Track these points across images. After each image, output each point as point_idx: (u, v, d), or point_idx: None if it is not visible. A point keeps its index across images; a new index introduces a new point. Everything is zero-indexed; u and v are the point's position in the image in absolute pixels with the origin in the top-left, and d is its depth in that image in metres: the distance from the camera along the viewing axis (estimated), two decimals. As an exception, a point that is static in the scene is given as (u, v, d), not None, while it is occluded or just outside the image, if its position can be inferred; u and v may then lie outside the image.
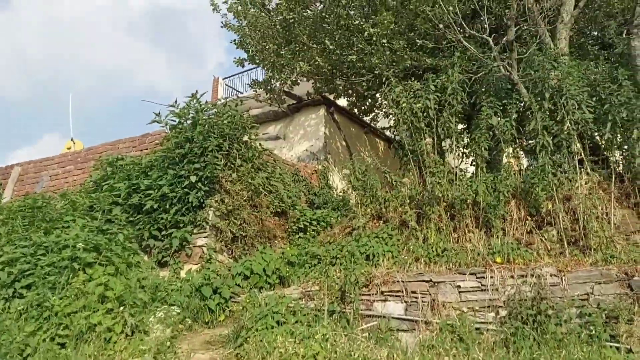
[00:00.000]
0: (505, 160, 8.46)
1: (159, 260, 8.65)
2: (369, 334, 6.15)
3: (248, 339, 5.94)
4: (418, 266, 7.31)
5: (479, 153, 7.79)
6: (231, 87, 21.00)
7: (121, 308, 5.47)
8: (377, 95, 15.78)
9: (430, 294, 6.76)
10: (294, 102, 14.39)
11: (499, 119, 7.79)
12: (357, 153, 9.44)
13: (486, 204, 7.61)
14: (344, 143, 14.52)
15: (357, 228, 8.50)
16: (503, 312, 6.31)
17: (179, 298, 7.38)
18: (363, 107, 16.33)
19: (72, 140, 14.99)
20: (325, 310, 6.21)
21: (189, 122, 9.33)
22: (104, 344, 5.16)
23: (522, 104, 7.90)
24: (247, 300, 7.63)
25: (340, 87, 15.55)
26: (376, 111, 16.51)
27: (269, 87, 14.92)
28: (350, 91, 15.42)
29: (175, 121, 9.39)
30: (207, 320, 7.46)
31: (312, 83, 15.57)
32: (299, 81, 15.79)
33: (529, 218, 7.51)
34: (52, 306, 5.24)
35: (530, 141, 8.87)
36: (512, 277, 6.47)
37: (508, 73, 8.28)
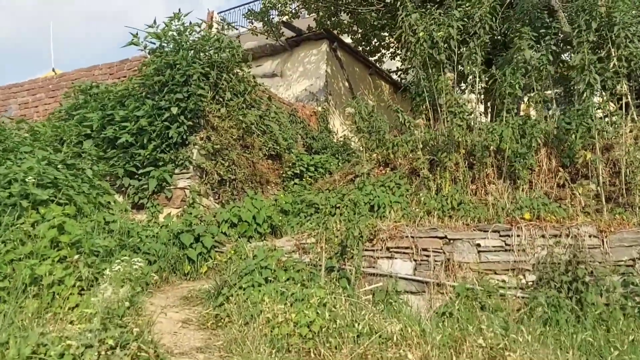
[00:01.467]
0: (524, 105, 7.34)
1: (134, 202, 7.64)
2: (373, 296, 5.23)
3: (230, 297, 5.01)
4: (430, 220, 6.34)
5: (509, 92, 6.66)
6: (226, 22, 19.42)
7: (77, 256, 4.49)
8: (385, 33, 14.45)
9: (444, 253, 5.82)
10: (294, 35, 13.04)
11: (533, 52, 6.62)
12: (361, 95, 8.31)
13: (512, 152, 6.57)
14: (346, 84, 13.29)
15: (361, 175, 7.48)
16: (531, 277, 5.39)
17: (155, 246, 6.42)
18: (369, 47, 15.01)
19: (53, 70, 13.69)
20: (323, 267, 5.27)
21: (170, 45, 8.10)
22: (51, 300, 4.21)
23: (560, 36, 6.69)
24: (233, 251, 6.69)
25: (345, 22, 14.19)
26: (382, 51, 15.19)
27: (266, 19, 13.54)
28: (355, 27, 14.06)
29: (155, 44, 8.15)
30: (186, 272, 6.53)
31: (314, 16, 14.19)
32: (299, 14, 14.38)
33: (561, 169, 6.49)
34: (-12, 252, 4.27)
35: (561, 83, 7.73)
36: (543, 236, 5.51)
37: (547, -2, 7.04)
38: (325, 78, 12.38)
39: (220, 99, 8.42)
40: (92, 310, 3.46)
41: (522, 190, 6.50)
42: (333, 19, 14.18)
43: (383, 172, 7.57)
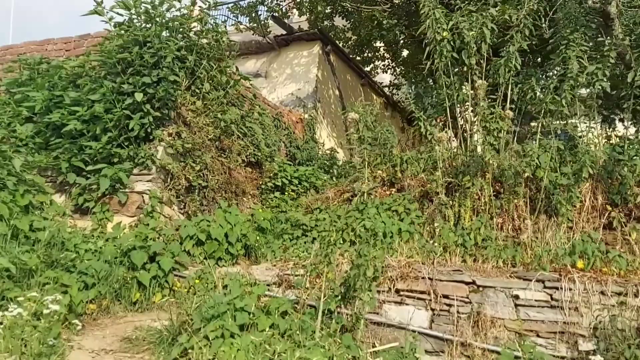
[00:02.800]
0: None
1: (78, 205, 6.12)
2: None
3: (190, 350, 3.59)
4: (451, 259, 5.07)
5: (550, 109, 5.51)
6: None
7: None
8: (380, 44, 13.37)
9: (471, 303, 4.55)
10: (284, 33, 11.76)
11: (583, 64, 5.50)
12: (350, 105, 7.12)
13: (550, 182, 5.41)
14: (337, 92, 12.05)
15: (362, 194, 6.17)
16: (586, 346, 4.15)
17: (96, 264, 4.91)
18: (361, 56, 13.88)
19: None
20: (319, 316, 3.90)
21: (142, 18, 6.67)
22: None
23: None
24: (198, 278, 5.25)
25: (339, 27, 13.05)
26: (376, 63, 14.09)
27: (253, 14, 12.25)
28: (350, 33, 12.92)
29: (123, 16, 6.70)
30: (134, 300, 5.05)
31: (307, 18, 12.99)
32: (289, 14, 13.17)
33: (609, 207, 5.36)
34: None
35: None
36: (603, 293, 4.30)
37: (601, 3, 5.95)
38: (315, 83, 11.11)
39: (197, 90, 7.02)
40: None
41: (559, 229, 5.33)
42: (326, 22, 13.00)
43: (388, 193, 6.29)
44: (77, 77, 6.64)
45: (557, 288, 4.39)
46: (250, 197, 7.86)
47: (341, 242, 5.54)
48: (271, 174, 8.20)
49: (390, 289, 4.76)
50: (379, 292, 4.72)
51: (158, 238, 5.71)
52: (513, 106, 6.10)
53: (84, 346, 3.97)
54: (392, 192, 6.23)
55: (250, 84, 8.42)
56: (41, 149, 6.42)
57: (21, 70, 7.34)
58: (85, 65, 6.68)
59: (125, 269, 5.12)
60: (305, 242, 5.90)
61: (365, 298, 3.88)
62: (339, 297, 4.16)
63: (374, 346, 4.21)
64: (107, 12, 6.66)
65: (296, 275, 4.96)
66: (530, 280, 4.48)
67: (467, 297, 4.58)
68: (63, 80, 6.78)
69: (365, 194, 6.10)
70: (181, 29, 6.99)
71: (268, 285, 5.07)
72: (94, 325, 4.56)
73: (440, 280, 4.69)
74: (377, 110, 7.10)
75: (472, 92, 6.03)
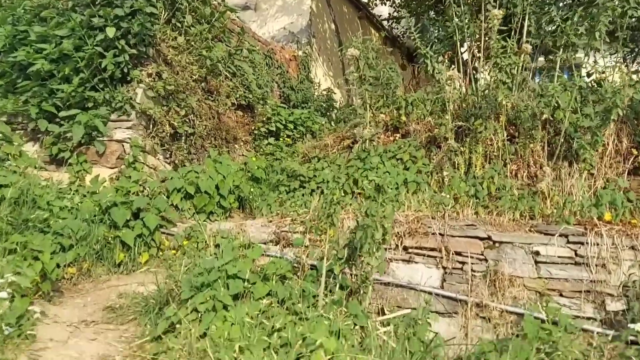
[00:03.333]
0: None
1: (52, 156, 5.57)
2: (394, 329, 3.50)
3: (178, 325, 3.18)
4: (463, 211, 4.64)
5: (573, 42, 4.92)
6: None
7: None
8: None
9: (486, 260, 4.16)
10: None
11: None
12: (349, 41, 6.44)
13: (570, 124, 4.90)
14: (332, 26, 11.22)
15: (363, 141, 5.65)
16: (615, 305, 3.80)
17: (72, 223, 4.44)
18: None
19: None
20: (322, 283, 3.49)
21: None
22: None
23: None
24: (186, 237, 4.82)
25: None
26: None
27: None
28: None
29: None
30: (118, 262, 4.62)
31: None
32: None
33: (635, 151, 4.90)
34: None
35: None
36: (634, 248, 3.91)
37: None
38: (310, 16, 10.26)
39: (178, 24, 6.32)
40: None
41: (580, 175, 4.89)
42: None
43: (392, 139, 5.77)
44: (42, 8, 5.88)
45: (582, 243, 3.98)
46: (242, 144, 7.31)
47: (342, 194, 5.08)
48: (264, 118, 7.61)
49: (397, 246, 4.35)
50: (385, 249, 4.30)
51: (142, 192, 5.22)
52: (530, 39, 5.50)
53: (61, 318, 3.57)
54: (397, 138, 5.71)
55: (237, 17, 7.67)
56: (8, 93, 5.79)
57: (-20, 4, 6.55)
58: (50, -3, 5.91)
59: (107, 228, 4.65)
60: (303, 195, 5.43)
61: (374, 262, 3.45)
62: (343, 259, 3.73)
63: (382, 310, 3.86)
64: None
65: (294, 233, 4.53)
66: (552, 235, 4.06)
67: (482, 254, 4.18)
68: (28, 14, 6.03)
69: (367, 141, 5.58)
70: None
71: (264, 243, 4.65)
72: (74, 292, 4.15)
73: (452, 236, 4.28)
74: (378, 46, 6.44)
75: (485, 24, 5.39)
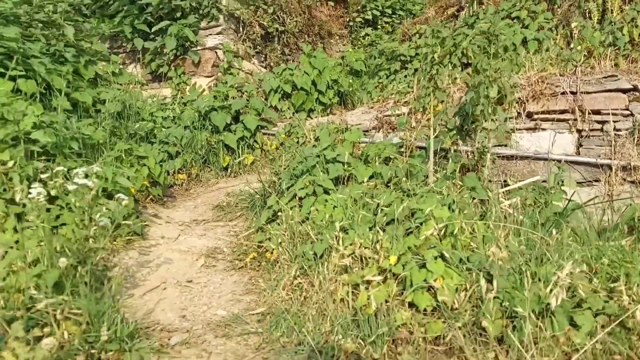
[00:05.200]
0: None
1: (154, 73, 5.63)
2: (521, 201, 3.04)
3: (279, 213, 3.03)
4: (599, 64, 3.86)
5: None
6: None
7: (11, 163, 2.60)
8: None
9: (632, 115, 3.44)
10: None
11: None
12: None
13: None
14: None
15: (470, 4, 4.91)
16: None
17: (175, 131, 4.48)
18: None
19: None
20: (430, 154, 3.09)
21: None
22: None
23: None
24: (286, 133, 4.64)
25: None
26: None
27: None
28: None
29: None
30: (225, 166, 4.62)
31: None
32: None
33: None
34: None
35: None
36: None
37: None
38: None
39: None
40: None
41: None
42: None
43: (502, -2, 4.95)
44: None
45: None
46: (337, 38, 6.87)
47: (450, 67, 4.50)
48: (359, 7, 7.03)
49: (519, 113, 3.76)
50: (505, 119, 3.75)
51: (240, 96, 5.09)
52: None
53: (173, 219, 3.62)
54: (509, -4, 4.88)
55: None
56: (104, 17, 5.86)
57: None
58: None
59: (209, 133, 4.63)
60: (405, 76, 4.94)
61: (490, 126, 2.96)
62: (454, 131, 3.28)
63: (505, 184, 3.38)
64: None
65: (397, 115, 4.12)
66: None
67: (627, 109, 3.46)
68: None
69: (475, 3, 4.84)
70: None
71: (366, 131, 4.32)
72: (186, 196, 4.22)
73: (587, 93, 3.58)
74: None
75: None
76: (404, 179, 3.12)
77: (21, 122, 2.85)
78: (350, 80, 5.69)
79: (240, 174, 4.59)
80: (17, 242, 2.41)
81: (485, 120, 2.98)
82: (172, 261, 2.88)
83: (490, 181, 3.35)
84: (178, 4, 5.38)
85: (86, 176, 2.43)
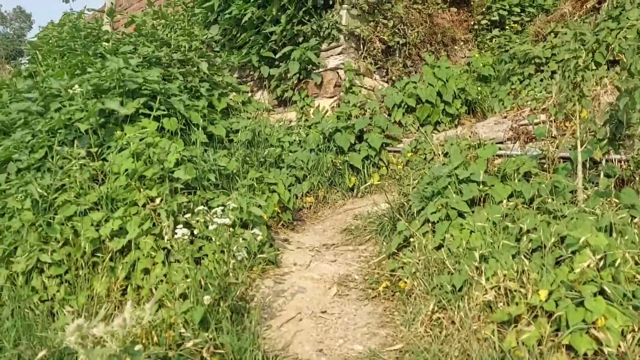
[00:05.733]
0: None
1: (279, 98, 5.83)
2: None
3: (411, 240, 2.91)
4: None
5: None
6: None
7: (158, 200, 2.80)
8: None
9: None
10: None
11: None
12: None
13: None
14: None
15: (614, -6, 4.40)
16: None
17: (301, 155, 4.57)
18: None
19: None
20: (579, 166, 2.77)
21: None
22: (127, 274, 2.62)
23: None
24: (412, 149, 4.51)
25: None
26: None
27: None
28: None
29: None
30: (351, 186, 4.60)
31: None
32: None
33: None
34: (24, 208, 2.80)
35: None
36: None
37: None
38: None
39: None
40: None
41: None
42: None
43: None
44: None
45: None
46: (462, 43, 6.58)
47: (594, 66, 4.06)
48: (483, 9, 6.68)
49: (685, 115, 3.24)
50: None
51: (363, 114, 5.07)
52: None
53: (304, 244, 3.67)
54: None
55: None
56: (232, 49, 6.21)
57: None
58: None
59: (333, 155, 4.65)
60: (541, 80, 4.55)
61: (650, 134, 2.58)
62: (605, 141, 2.91)
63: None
64: None
65: (536, 124, 3.79)
66: None
67: None
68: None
69: (621, -7, 4.31)
70: None
71: (500, 143, 4.04)
72: (314, 219, 4.27)
73: None
74: None
75: None
76: (548, 198, 2.83)
77: (165, 161, 3.07)
78: (479, 88, 5.39)
79: (367, 194, 4.54)
80: (165, 275, 2.58)
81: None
82: (306, 290, 2.90)
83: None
84: (300, 29, 5.52)
85: (223, 210, 2.53)
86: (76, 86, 3.36)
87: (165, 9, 6.54)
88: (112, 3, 8.32)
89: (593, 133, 3.03)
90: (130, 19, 5.25)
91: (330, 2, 5.56)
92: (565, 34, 4.33)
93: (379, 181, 4.58)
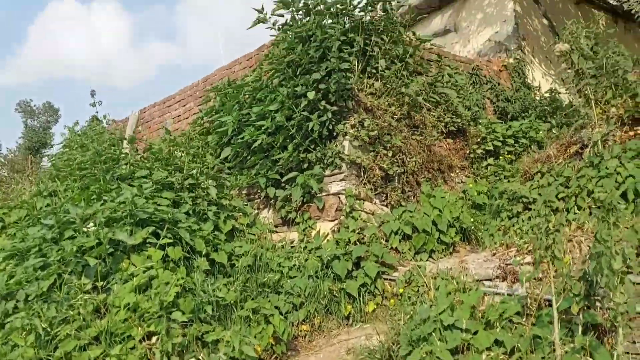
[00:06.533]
0: None
1: (284, 218, 6.10)
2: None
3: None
4: None
5: None
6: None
7: (154, 339, 2.96)
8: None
9: None
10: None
11: None
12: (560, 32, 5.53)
13: None
14: (544, 21, 10.08)
15: (593, 144, 4.76)
16: None
17: (300, 282, 4.75)
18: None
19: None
20: (555, 323, 2.90)
21: (301, 13, 6.33)
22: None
23: None
24: (407, 279, 4.67)
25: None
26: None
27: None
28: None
29: (284, 17, 6.48)
30: (346, 314, 4.72)
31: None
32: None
33: None
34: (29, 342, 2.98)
35: None
36: None
37: None
38: (515, 19, 9.41)
39: (373, 71, 6.43)
40: None
41: None
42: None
43: (632, 134, 4.73)
44: (257, 91, 6.65)
45: None
46: (458, 170, 6.94)
47: (576, 211, 4.31)
48: (478, 139, 7.13)
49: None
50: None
51: (361, 240, 5.29)
52: None
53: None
54: (637, 132, 4.65)
55: (432, 44, 7.44)
56: (242, 169, 6.61)
57: (215, 98, 7.75)
58: (262, 77, 6.67)
59: (331, 282, 4.82)
60: (529, 219, 4.79)
61: (618, 299, 2.74)
62: (580, 295, 3.08)
63: (649, 358, 3.01)
64: (269, 18, 6.55)
65: (520, 264, 3.97)
66: None
67: None
68: (248, 98, 6.89)
69: (599, 143, 4.67)
70: (344, 11, 6.46)
71: (490, 279, 4.20)
72: (308, 349, 4.35)
73: None
74: (598, 30, 5.47)
75: None
76: (528, 350, 2.95)
77: (166, 294, 3.26)
78: (473, 219, 5.65)
79: (362, 322, 4.65)
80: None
81: (612, 291, 2.77)
82: None
83: (626, 353, 3.03)
84: (305, 156, 5.92)
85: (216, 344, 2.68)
86: (90, 224, 3.65)
87: (184, 134, 7.08)
88: (134, 122, 8.99)
89: (570, 286, 3.19)
90: (149, 146, 5.72)
91: (334, 134, 6.00)
92: (549, 184, 4.64)
93: (373, 310, 4.69)
